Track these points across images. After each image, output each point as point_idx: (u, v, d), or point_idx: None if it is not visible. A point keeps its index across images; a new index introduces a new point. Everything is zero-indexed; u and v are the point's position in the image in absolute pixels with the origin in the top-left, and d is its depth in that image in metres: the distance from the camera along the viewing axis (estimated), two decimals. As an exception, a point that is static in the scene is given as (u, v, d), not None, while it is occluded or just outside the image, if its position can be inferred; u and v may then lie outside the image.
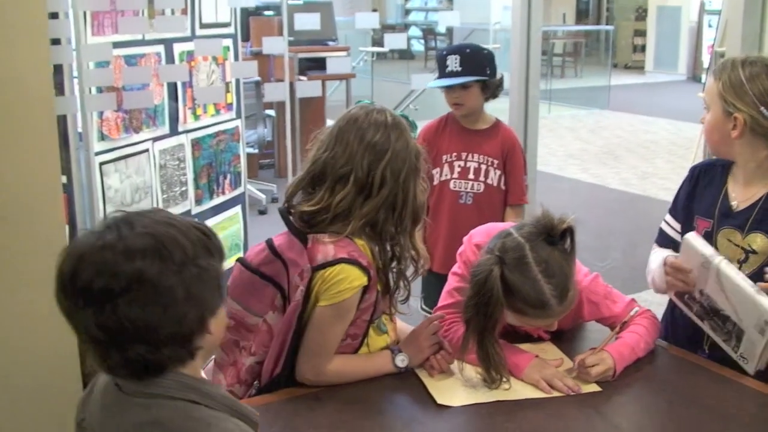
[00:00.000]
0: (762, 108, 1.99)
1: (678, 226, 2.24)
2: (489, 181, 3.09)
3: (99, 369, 1.36)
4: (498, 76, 3.08)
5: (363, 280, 1.84)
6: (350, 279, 1.83)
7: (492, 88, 3.07)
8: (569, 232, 1.88)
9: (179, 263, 1.27)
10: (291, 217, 1.93)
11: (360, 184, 1.86)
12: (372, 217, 1.88)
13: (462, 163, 3.10)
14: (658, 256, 2.18)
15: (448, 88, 3.05)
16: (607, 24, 17.59)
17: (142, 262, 1.25)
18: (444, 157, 3.10)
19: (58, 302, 1.29)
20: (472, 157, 3.09)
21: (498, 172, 3.09)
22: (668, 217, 2.29)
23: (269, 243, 1.96)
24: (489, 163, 3.08)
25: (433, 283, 2.83)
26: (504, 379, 1.90)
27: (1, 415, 2.27)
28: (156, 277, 1.25)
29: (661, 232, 2.30)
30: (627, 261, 5.30)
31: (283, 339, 1.88)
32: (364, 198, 1.87)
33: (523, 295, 1.83)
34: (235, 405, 1.38)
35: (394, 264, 1.96)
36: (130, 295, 1.24)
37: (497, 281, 1.81)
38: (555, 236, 1.86)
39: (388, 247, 1.94)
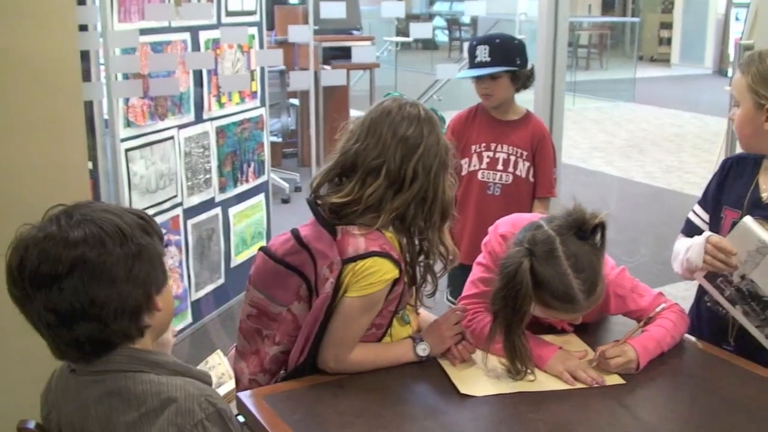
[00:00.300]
0: None
1: (706, 217, 2.24)
2: (518, 172, 3.07)
3: (54, 356, 1.44)
4: (529, 66, 3.06)
5: (394, 273, 1.84)
6: (382, 272, 1.83)
7: (522, 79, 3.05)
8: (601, 227, 1.86)
9: (118, 243, 1.37)
10: (319, 208, 1.92)
11: (392, 177, 1.86)
12: (402, 211, 1.88)
13: (491, 154, 3.08)
14: (686, 241, 2.16)
15: (477, 79, 3.03)
16: (633, 16, 17.44)
17: (83, 247, 1.34)
18: (473, 147, 3.09)
19: (10, 295, 1.39)
20: (502, 148, 3.07)
21: (527, 164, 3.07)
22: (697, 208, 2.28)
23: (295, 233, 1.95)
24: (518, 155, 3.07)
25: (459, 274, 2.81)
26: (529, 371, 1.90)
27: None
28: (97, 258, 1.35)
29: (688, 221, 2.29)
30: (655, 256, 5.26)
31: (310, 330, 1.88)
32: (395, 192, 1.87)
33: (551, 289, 1.82)
34: (185, 369, 1.47)
35: (421, 258, 1.95)
36: (75, 276, 1.33)
37: (527, 274, 1.80)
38: (586, 231, 1.84)
39: (416, 241, 1.94)
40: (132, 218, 1.42)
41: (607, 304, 2.07)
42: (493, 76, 3.00)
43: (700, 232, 2.20)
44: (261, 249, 2.00)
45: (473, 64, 3.01)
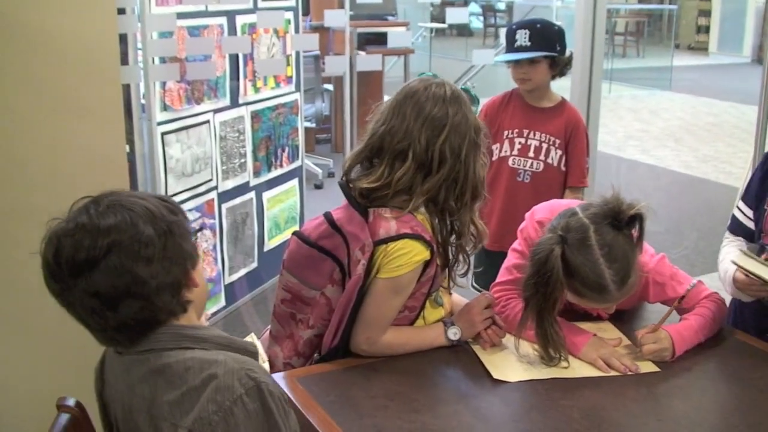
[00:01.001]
0: None
1: (750, 213, 2.22)
2: (549, 160, 3.04)
3: (101, 343, 1.47)
4: (567, 53, 3.03)
5: (425, 254, 1.84)
6: (413, 253, 1.83)
7: (561, 65, 3.02)
8: (638, 218, 1.84)
9: (149, 222, 1.39)
10: (351, 191, 1.93)
11: (419, 160, 1.85)
12: (434, 194, 1.88)
13: (523, 141, 3.05)
14: (729, 253, 2.16)
15: (515, 63, 3.00)
16: (670, 3, 17.20)
17: (115, 231, 1.36)
18: (505, 132, 3.06)
19: (49, 290, 1.40)
20: (534, 135, 3.05)
21: (559, 152, 3.04)
22: (741, 204, 2.27)
23: (328, 217, 1.96)
24: (551, 142, 3.04)
25: (484, 259, 2.81)
26: (562, 358, 1.89)
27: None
28: (131, 239, 1.36)
29: (734, 218, 2.29)
30: (694, 247, 5.18)
31: (342, 312, 1.89)
32: (424, 175, 1.87)
33: (582, 277, 1.81)
34: (230, 341, 1.49)
35: (453, 238, 1.95)
36: (113, 257, 1.35)
37: (558, 261, 1.79)
38: (621, 221, 1.83)
39: (448, 222, 1.93)
40: (156, 201, 1.45)
41: (646, 291, 2.06)
42: (531, 61, 2.97)
43: (745, 228, 2.23)
44: (294, 233, 2.01)
45: (512, 48, 2.98)
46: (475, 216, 1.96)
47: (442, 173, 1.86)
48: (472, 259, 2.03)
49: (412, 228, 1.84)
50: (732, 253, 2.13)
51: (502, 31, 3.34)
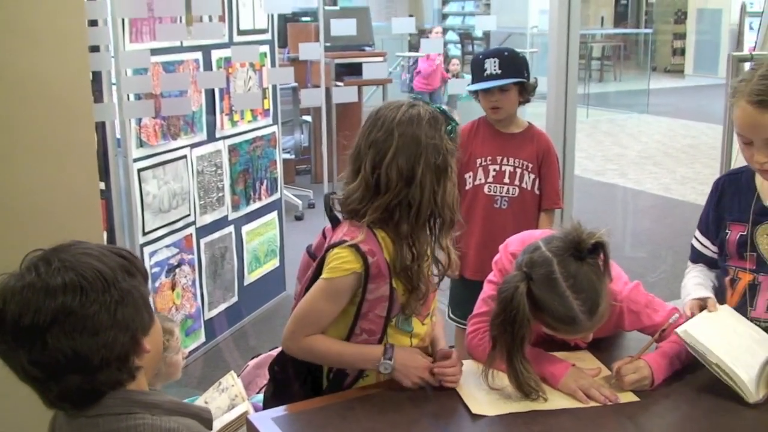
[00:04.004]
0: None
1: (708, 242, 2.26)
2: (524, 185, 3.06)
3: (45, 405, 1.41)
4: (532, 80, 3.06)
5: (355, 265, 1.85)
6: (344, 260, 1.86)
7: (528, 91, 3.06)
8: (600, 246, 1.84)
9: (100, 290, 1.32)
10: (332, 203, 1.99)
11: (366, 180, 1.88)
12: (388, 215, 1.88)
13: (497, 167, 3.07)
14: (691, 282, 2.21)
15: (485, 92, 3.02)
16: (646, 27, 17.40)
17: (63, 297, 1.30)
18: (478, 160, 3.07)
19: None
20: (508, 161, 3.07)
21: (533, 176, 3.07)
22: (698, 234, 2.30)
23: (324, 228, 2.07)
24: (524, 167, 3.06)
25: (462, 289, 2.80)
26: (540, 392, 1.87)
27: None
28: (79, 308, 1.30)
29: (693, 249, 2.32)
30: (674, 270, 5.16)
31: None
32: (373, 194, 1.88)
33: (551, 311, 1.81)
34: (182, 408, 1.44)
35: (414, 263, 1.92)
36: (57, 328, 1.29)
37: (523, 298, 1.79)
38: (583, 251, 1.82)
39: (409, 246, 1.91)
40: (113, 260, 1.38)
41: (622, 320, 2.05)
42: (502, 89, 2.99)
43: (705, 258, 2.27)
44: (307, 247, 2.13)
45: (482, 77, 3.01)
46: (445, 243, 1.96)
47: (390, 194, 1.86)
48: (443, 292, 2.03)
49: (353, 237, 1.87)
50: (690, 284, 2.19)
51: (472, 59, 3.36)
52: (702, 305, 2.08)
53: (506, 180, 3.07)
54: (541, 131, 3.20)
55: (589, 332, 1.90)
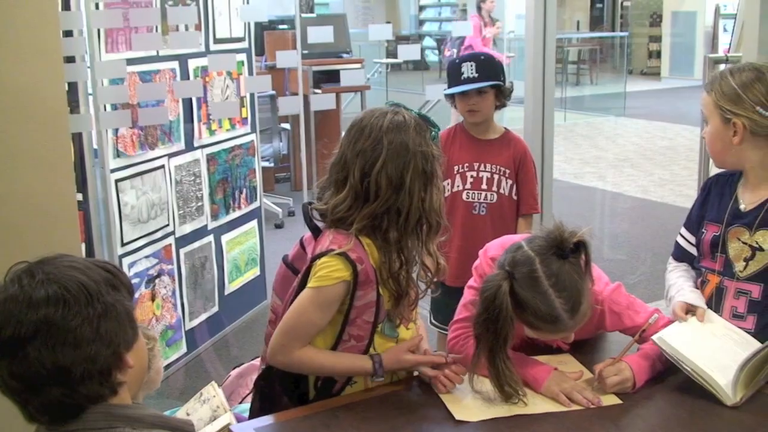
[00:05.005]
0: (759, 108, 2.04)
1: (693, 239, 2.28)
2: (501, 191, 3.07)
3: (25, 419, 1.40)
4: (508, 84, 3.08)
5: (344, 273, 1.85)
6: (333, 269, 1.85)
7: (505, 95, 3.07)
8: (582, 246, 1.85)
9: (83, 303, 1.31)
10: (310, 212, 1.97)
11: (356, 189, 1.88)
12: (377, 222, 1.88)
13: (474, 174, 3.07)
14: (684, 282, 2.22)
15: (462, 95, 3.03)
16: (621, 30, 17.53)
17: (46, 309, 1.29)
18: (456, 167, 3.07)
19: None
20: (485, 167, 3.07)
21: (510, 182, 3.07)
22: (683, 230, 2.33)
23: (301, 238, 2.05)
24: (501, 173, 3.07)
25: (444, 296, 2.80)
26: (521, 393, 1.88)
27: None
28: (61, 321, 1.29)
29: (677, 245, 2.34)
30: (654, 272, 5.19)
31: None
32: (362, 203, 1.88)
33: (533, 310, 1.82)
34: (164, 422, 1.43)
35: (402, 269, 1.93)
36: (39, 341, 1.28)
37: (506, 297, 1.80)
38: (565, 249, 1.84)
39: (396, 252, 1.91)
40: (98, 273, 1.37)
41: (603, 320, 2.07)
42: (480, 92, 3.00)
43: (688, 254, 2.29)
44: (283, 257, 2.10)
45: (459, 81, 3.01)
46: (432, 248, 1.96)
47: (380, 202, 1.86)
48: (428, 293, 2.03)
49: (340, 245, 1.86)
50: (684, 285, 2.19)
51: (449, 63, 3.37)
52: (691, 310, 2.09)
53: (484, 186, 3.07)
54: (517, 137, 3.21)
55: (571, 332, 1.91)
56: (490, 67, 3.02)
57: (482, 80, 2.99)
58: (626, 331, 2.09)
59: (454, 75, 3.05)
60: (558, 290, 1.80)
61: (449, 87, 3.08)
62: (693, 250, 2.27)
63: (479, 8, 9.68)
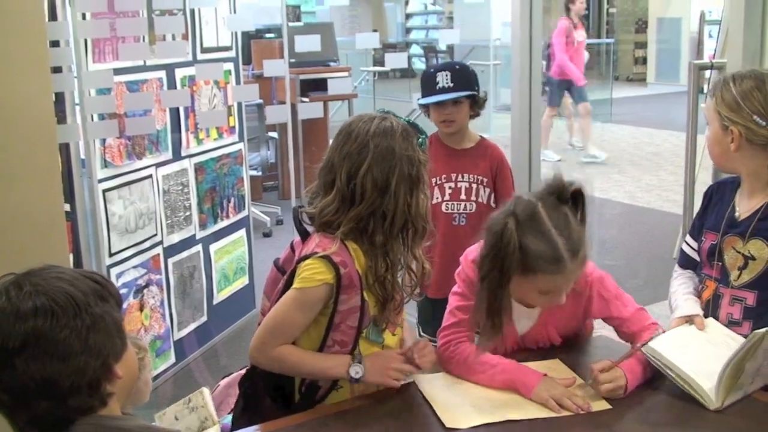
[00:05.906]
0: (755, 117, 2.05)
1: (696, 245, 2.30)
2: (480, 199, 3.06)
3: (13, 431, 1.38)
4: (482, 93, 3.08)
5: (327, 276, 1.87)
6: (316, 271, 1.87)
7: (479, 104, 3.07)
8: (580, 196, 1.92)
9: (71, 315, 1.31)
10: (300, 216, 2.00)
11: (342, 192, 1.90)
12: (363, 225, 1.90)
13: (452, 185, 3.06)
14: (681, 291, 2.24)
15: (438, 105, 3.01)
16: (607, 37, 17.60)
17: (34, 321, 1.29)
18: (433, 180, 3.04)
19: None
20: (462, 177, 3.06)
21: (488, 190, 3.07)
22: (688, 238, 2.36)
23: (292, 241, 2.08)
24: (479, 182, 3.06)
25: (429, 308, 2.80)
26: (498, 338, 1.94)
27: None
28: (49, 333, 1.29)
29: (682, 252, 2.37)
30: (646, 278, 5.20)
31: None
32: (349, 205, 1.90)
33: (536, 251, 1.85)
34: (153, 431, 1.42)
35: (388, 273, 1.94)
36: (27, 353, 1.28)
37: (513, 233, 1.84)
38: (565, 196, 1.90)
39: (382, 256, 1.93)
40: (86, 284, 1.37)
41: (591, 304, 2.11)
42: (455, 102, 3.00)
43: (692, 261, 2.30)
44: (274, 261, 2.13)
45: (434, 90, 3.00)
46: (418, 253, 1.98)
47: (365, 205, 1.89)
48: (411, 306, 2.04)
49: (324, 248, 1.88)
50: (680, 295, 2.22)
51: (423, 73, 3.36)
52: (689, 321, 2.11)
53: (462, 196, 3.07)
54: (493, 144, 3.18)
55: (571, 278, 1.93)
56: (464, 77, 3.02)
57: (457, 90, 2.98)
58: (610, 321, 2.14)
59: (428, 85, 3.03)
60: (560, 229, 1.86)
61: (423, 96, 3.06)
62: (697, 257, 2.28)
63: (568, 9, 8.94)
